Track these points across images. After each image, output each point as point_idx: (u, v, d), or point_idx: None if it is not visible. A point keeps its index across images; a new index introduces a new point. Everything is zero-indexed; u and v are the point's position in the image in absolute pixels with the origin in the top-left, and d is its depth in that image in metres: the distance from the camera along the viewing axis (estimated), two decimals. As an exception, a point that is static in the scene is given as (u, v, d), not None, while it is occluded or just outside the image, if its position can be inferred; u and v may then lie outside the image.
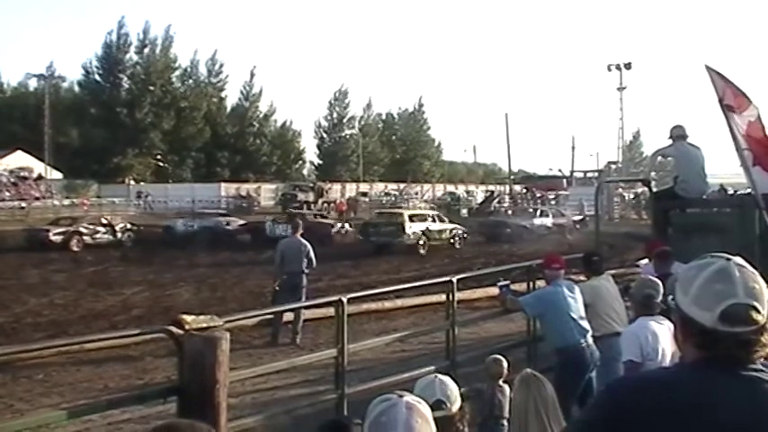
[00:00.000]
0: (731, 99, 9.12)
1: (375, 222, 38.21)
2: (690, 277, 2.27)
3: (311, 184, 76.41)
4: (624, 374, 5.72)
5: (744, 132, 9.38)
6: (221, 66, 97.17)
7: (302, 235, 15.50)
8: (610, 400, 2.34)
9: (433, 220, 37.81)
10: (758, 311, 2.17)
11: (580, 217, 45.05)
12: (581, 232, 38.86)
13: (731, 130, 9.20)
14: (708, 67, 9.24)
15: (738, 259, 2.28)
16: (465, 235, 38.31)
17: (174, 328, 5.85)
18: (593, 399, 2.42)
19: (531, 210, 49.11)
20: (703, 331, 2.20)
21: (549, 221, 42.99)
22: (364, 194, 79.82)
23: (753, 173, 9.43)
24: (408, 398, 2.79)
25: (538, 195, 65.40)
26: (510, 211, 53.73)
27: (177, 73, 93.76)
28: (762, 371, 2.19)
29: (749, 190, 9.97)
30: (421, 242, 35.00)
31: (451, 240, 37.14)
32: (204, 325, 5.91)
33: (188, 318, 5.90)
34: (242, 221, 42.90)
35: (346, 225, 41.64)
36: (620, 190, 57.11)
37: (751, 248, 9.05)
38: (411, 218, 36.50)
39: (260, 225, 40.24)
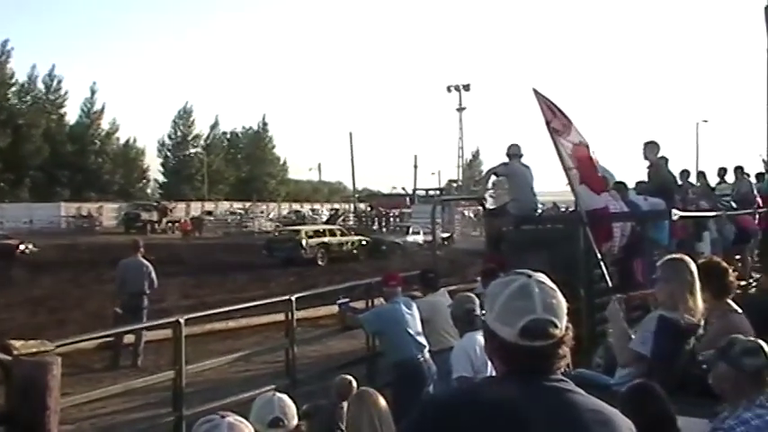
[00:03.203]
0: (557, 122, 9.56)
1: (277, 239, 41.33)
2: (494, 294, 2.37)
3: (155, 203, 74.87)
4: (437, 391, 5.91)
5: (570, 153, 9.84)
6: (60, 82, 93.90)
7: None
8: (422, 418, 2.39)
9: (333, 235, 40.79)
10: (555, 326, 2.28)
11: (447, 234, 46.43)
12: (449, 248, 40.19)
13: (558, 150, 9.62)
14: (535, 91, 9.64)
15: (540, 276, 2.38)
16: (364, 244, 41.54)
17: (1, 354, 5.69)
18: (408, 416, 2.52)
19: (404, 228, 50.39)
20: (505, 345, 2.31)
21: (420, 238, 44.63)
22: (209, 213, 78.74)
23: (580, 191, 9.90)
24: (230, 418, 2.85)
25: (383, 213, 66.12)
26: (384, 229, 55.14)
27: (14, 89, 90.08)
28: (562, 380, 2.30)
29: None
30: (320, 255, 37.93)
31: (354, 251, 40.18)
32: (34, 350, 5.76)
33: (17, 343, 5.74)
34: None
35: (30, 245, 41.71)
36: (461, 207, 58.37)
37: (576, 262, 9.51)
38: (308, 234, 39.47)
39: None
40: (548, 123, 9.45)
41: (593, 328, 8.48)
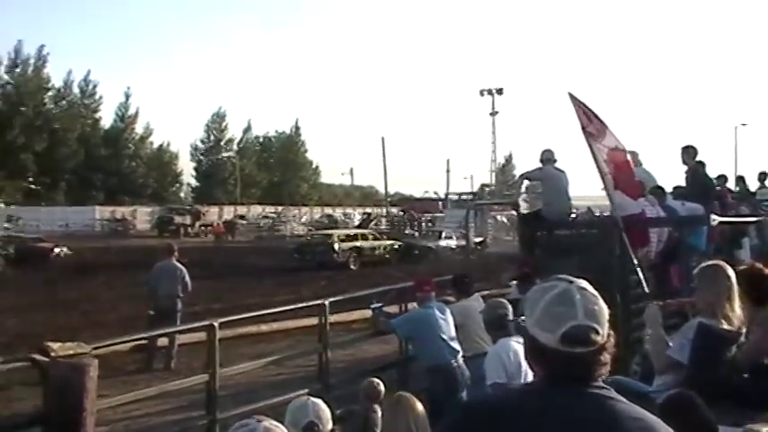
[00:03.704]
0: (592, 127, 9.50)
1: (309, 243, 41.77)
2: (534, 299, 2.35)
3: (188, 207, 75.48)
4: (473, 396, 5.87)
5: (605, 158, 9.77)
6: (95, 86, 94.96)
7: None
8: (460, 422, 2.41)
9: (365, 239, 40.81)
10: (597, 332, 2.26)
11: (480, 239, 46.35)
12: (481, 253, 40.05)
13: (594, 155, 9.57)
14: (571, 95, 9.59)
15: (581, 282, 2.36)
16: (396, 248, 41.34)
17: (38, 356, 5.72)
18: (444, 421, 2.50)
19: (436, 232, 50.13)
20: (546, 351, 2.29)
21: (453, 243, 44.30)
22: (242, 217, 79.15)
23: (614, 196, 9.84)
24: (266, 422, 2.82)
25: (415, 217, 65.99)
26: (416, 233, 55.04)
27: (50, 94, 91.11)
28: (603, 388, 2.28)
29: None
30: (352, 259, 38.04)
31: (386, 255, 40.02)
32: (71, 352, 5.80)
33: (54, 345, 5.78)
34: None
35: (64, 248, 42.53)
36: (494, 212, 58.13)
37: (611, 268, 9.42)
38: (340, 238, 39.58)
39: None
40: (583, 128, 9.40)
41: (628, 335, 8.40)
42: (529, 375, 6.01)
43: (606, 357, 2.30)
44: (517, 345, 6.13)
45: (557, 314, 2.29)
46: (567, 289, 2.33)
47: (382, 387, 7.49)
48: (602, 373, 2.31)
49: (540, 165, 11.89)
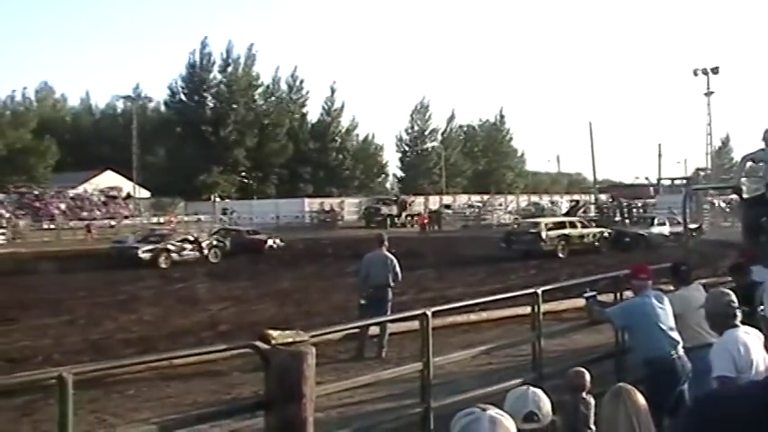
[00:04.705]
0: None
1: (516, 232, 41.69)
2: None
3: (394, 198, 76.79)
4: (711, 389, 5.55)
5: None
6: (302, 82, 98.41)
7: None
8: (697, 416, 2.27)
9: (573, 226, 40.25)
10: None
11: (696, 225, 44.40)
12: (697, 240, 38.24)
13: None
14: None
15: None
16: (606, 236, 40.60)
17: (260, 344, 5.90)
18: (681, 414, 2.34)
19: (648, 218, 48.50)
20: None
21: (666, 230, 42.70)
22: (448, 207, 79.79)
23: None
24: (491, 411, 2.77)
25: (624, 204, 64.26)
26: (627, 220, 53.55)
27: (260, 90, 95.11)
28: None
29: None
30: (560, 247, 37.51)
31: (596, 243, 39.37)
32: (290, 340, 5.94)
33: (274, 333, 5.94)
34: None
35: (277, 240, 44.72)
36: (710, 197, 55.76)
37: None
38: (548, 226, 39.23)
39: None
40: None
41: None
42: (760, 370, 5.67)
43: None
44: (747, 336, 5.77)
45: None
46: None
47: (588, 376, 7.28)
48: None
49: (763, 145, 11.24)
